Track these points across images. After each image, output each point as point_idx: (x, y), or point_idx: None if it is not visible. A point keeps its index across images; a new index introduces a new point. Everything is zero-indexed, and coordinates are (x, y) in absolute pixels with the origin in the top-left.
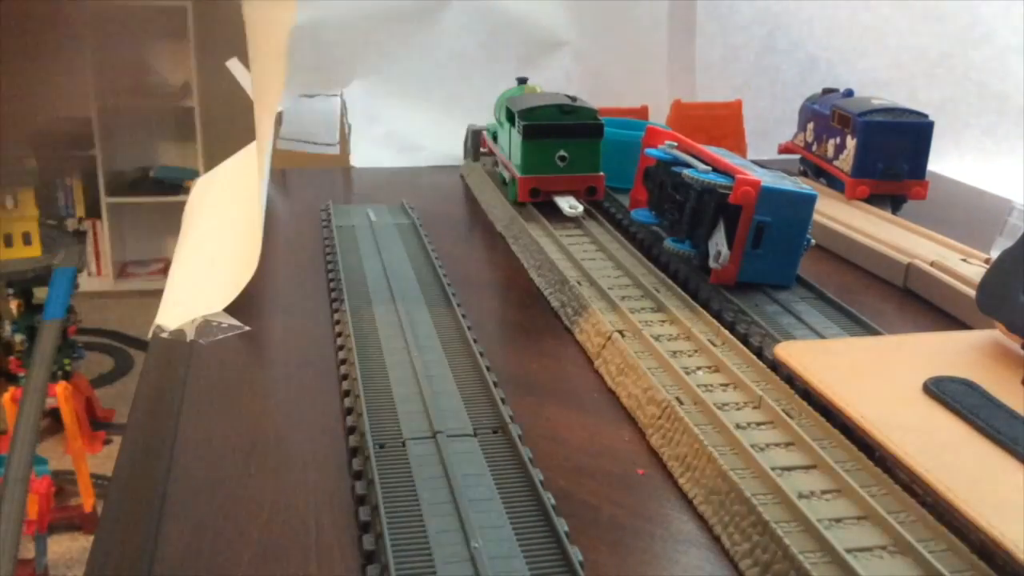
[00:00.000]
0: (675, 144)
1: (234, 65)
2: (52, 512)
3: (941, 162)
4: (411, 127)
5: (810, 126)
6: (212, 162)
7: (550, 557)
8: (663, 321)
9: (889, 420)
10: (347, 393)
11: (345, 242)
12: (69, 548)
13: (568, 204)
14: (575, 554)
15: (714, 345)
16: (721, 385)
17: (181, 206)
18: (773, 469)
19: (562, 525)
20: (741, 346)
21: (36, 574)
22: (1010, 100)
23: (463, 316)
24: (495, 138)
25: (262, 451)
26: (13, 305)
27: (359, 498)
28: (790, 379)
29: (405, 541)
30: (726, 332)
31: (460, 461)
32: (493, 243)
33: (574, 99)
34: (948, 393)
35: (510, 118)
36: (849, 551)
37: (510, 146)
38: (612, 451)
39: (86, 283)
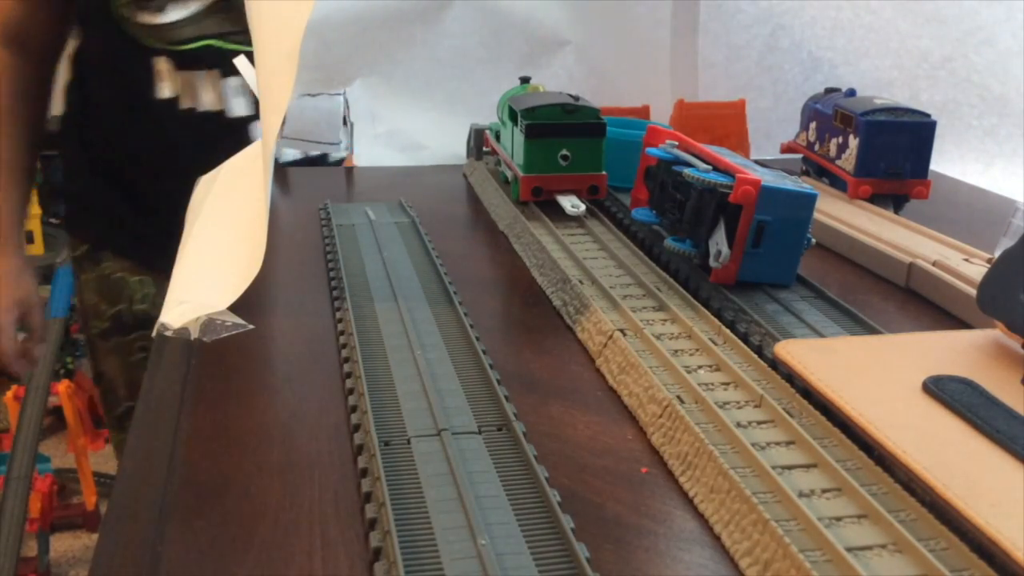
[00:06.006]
0: (676, 143)
1: (241, 62)
2: (54, 510)
3: (943, 163)
4: (414, 126)
5: (812, 125)
6: None
7: (556, 554)
8: (664, 320)
9: (888, 419)
10: (351, 391)
11: (345, 241)
12: (71, 546)
13: (570, 203)
14: (582, 550)
15: (715, 344)
16: (722, 384)
17: None
18: (773, 468)
19: (568, 522)
20: (742, 345)
21: (38, 572)
22: (1011, 103)
23: (465, 314)
24: (498, 137)
25: (266, 449)
26: None
27: (365, 495)
28: (790, 378)
29: (413, 538)
30: (727, 331)
31: (466, 458)
32: (495, 242)
33: (576, 98)
34: (948, 392)
35: (513, 117)
36: (849, 550)
37: (512, 145)
38: (614, 449)
39: None
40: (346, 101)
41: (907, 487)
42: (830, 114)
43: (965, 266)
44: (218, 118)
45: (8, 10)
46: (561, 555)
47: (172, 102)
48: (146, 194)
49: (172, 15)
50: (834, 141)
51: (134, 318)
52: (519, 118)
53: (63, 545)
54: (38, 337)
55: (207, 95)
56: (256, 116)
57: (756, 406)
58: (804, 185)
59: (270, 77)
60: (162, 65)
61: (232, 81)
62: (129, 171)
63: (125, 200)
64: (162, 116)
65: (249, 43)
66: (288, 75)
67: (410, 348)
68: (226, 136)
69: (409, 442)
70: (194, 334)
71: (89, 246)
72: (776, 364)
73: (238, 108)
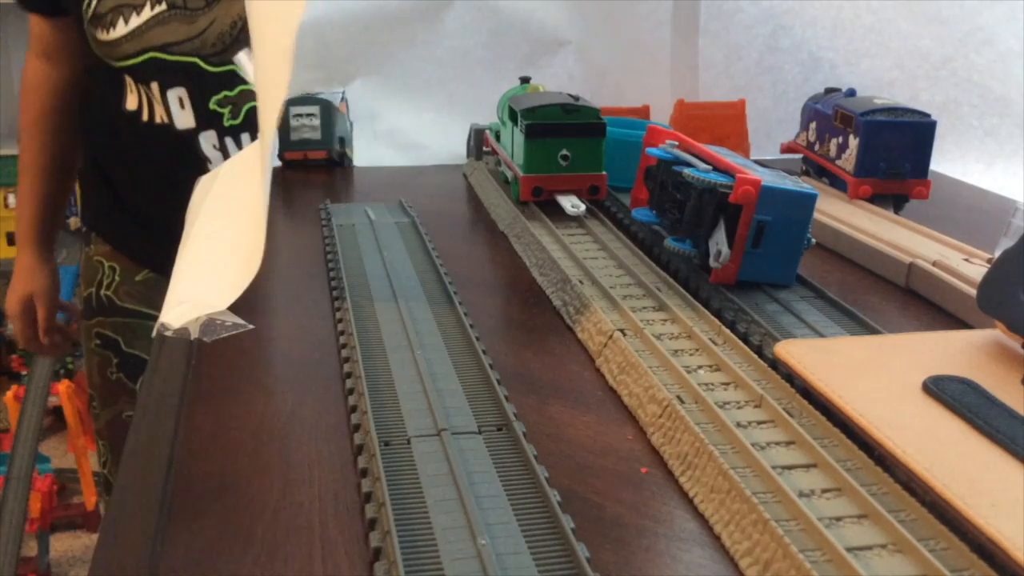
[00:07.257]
0: (676, 143)
1: (242, 59)
2: (54, 510)
3: (944, 163)
4: (414, 126)
5: (812, 126)
6: None
7: (556, 554)
8: (664, 320)
9: (888, 419)
10: (351, 391)
11: (345, 241)
12: (71, 546)
13: (570, 203)
14: (582, 550)
15: (715, 344)
16: (722, 384)
17: None
18: (773, 468)
19: (568, 522)
20: (742, 345)
21: (39, 572)
22: (1012, 103)
23: (465, 314)
24: (498, 137)
25: (266, 449)
26: None
27: (365, 495)
28: (790, 378)
29: (412, 538)
30: (727, 331)
31: (466, 458)
32: (495, 242)
33: (576, 98)
34: (948, 392)
35: (513, 117)
36: (849, 550)
37: (513, 145)
38: (614, 449)
39: None
40: (346, 100)
41: (907, 487)
42: (830, 114)
43: (965, 266)
44: (168, 130)
45: (44, 32)
46: (561, 555)
47: (134, 114)
48: (120, 190)
49: (118, 31)
50: (834, 141)
51: (99, 303)
52: (519, 118)
53: (63, 545)
54: (44, 328)
55: (157, 108)
56: (200, 129)
57: (756, 406)
58: (804, 185)
59: (266, 75)
60: (128, 79)
61: (172, 94)
62: (106, 165)
63: (106, 190)
64: (124, 127)
65: (192, 53)
66: (283, 73)
67: (410, 348)
68: (175, 148)
69: (409, 442)
70: (194, 334)
71: (87, 226)
72: (776, 364)
73: (180, 121)
